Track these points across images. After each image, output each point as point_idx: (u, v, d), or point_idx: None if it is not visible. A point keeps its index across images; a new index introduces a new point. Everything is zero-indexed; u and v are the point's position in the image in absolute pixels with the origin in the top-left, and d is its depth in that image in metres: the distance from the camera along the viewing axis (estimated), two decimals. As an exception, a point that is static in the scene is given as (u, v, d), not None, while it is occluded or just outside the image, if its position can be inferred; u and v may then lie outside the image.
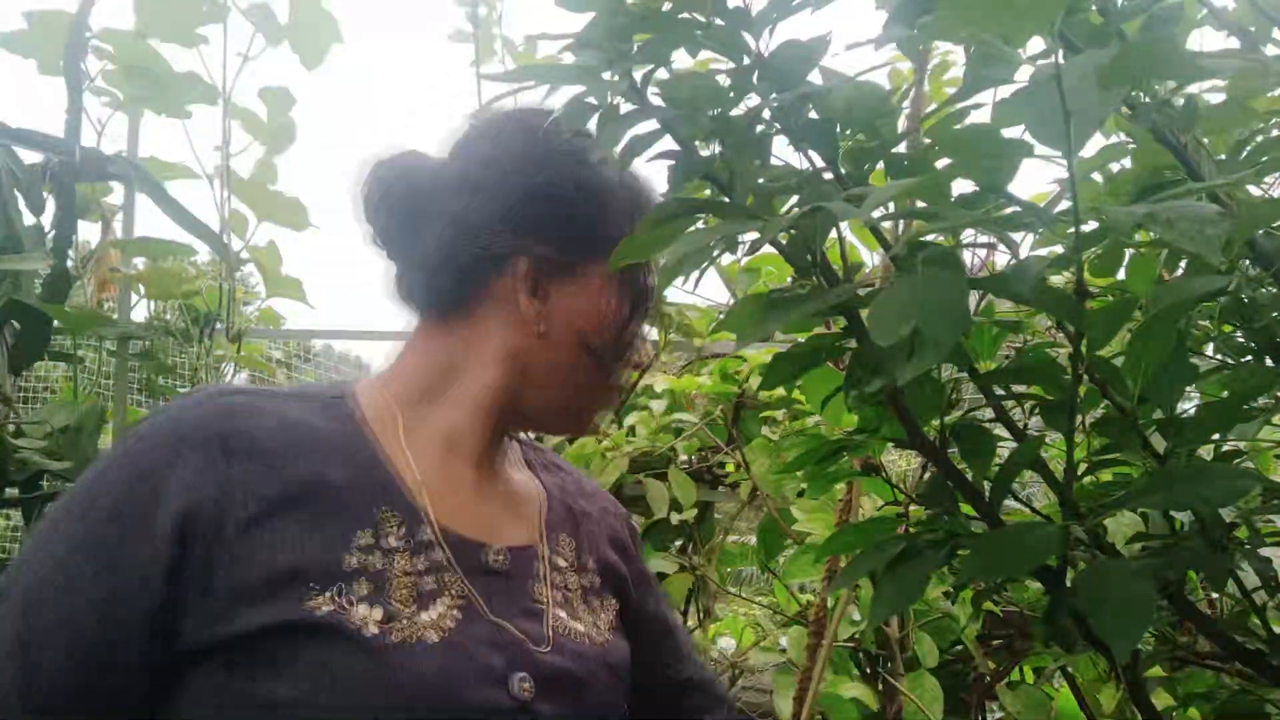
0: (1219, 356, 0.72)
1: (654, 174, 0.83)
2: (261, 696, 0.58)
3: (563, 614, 0.73)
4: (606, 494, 0.91)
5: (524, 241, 0.73)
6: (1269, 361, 0.67)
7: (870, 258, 1.66)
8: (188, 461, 0.62)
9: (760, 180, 0.62)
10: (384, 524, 0.66)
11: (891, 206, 0.61)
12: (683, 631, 0.91)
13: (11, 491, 1.63)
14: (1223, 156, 0.68)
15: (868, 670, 1.64)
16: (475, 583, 0.68)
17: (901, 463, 1.75)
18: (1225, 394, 0.65)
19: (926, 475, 0.71)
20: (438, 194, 0.75)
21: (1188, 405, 0.66)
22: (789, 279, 0.69)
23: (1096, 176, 0.74)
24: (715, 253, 0.60)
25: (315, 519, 0.63)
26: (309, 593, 0.60)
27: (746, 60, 0.61)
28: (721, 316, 0.63)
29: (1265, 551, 0.68)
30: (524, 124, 0.76)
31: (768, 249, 0.62)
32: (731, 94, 0.61)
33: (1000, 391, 0.66)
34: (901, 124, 0.67)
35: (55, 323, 1.67)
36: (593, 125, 0.63)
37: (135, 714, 0.61)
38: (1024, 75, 0.54)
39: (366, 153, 0.79)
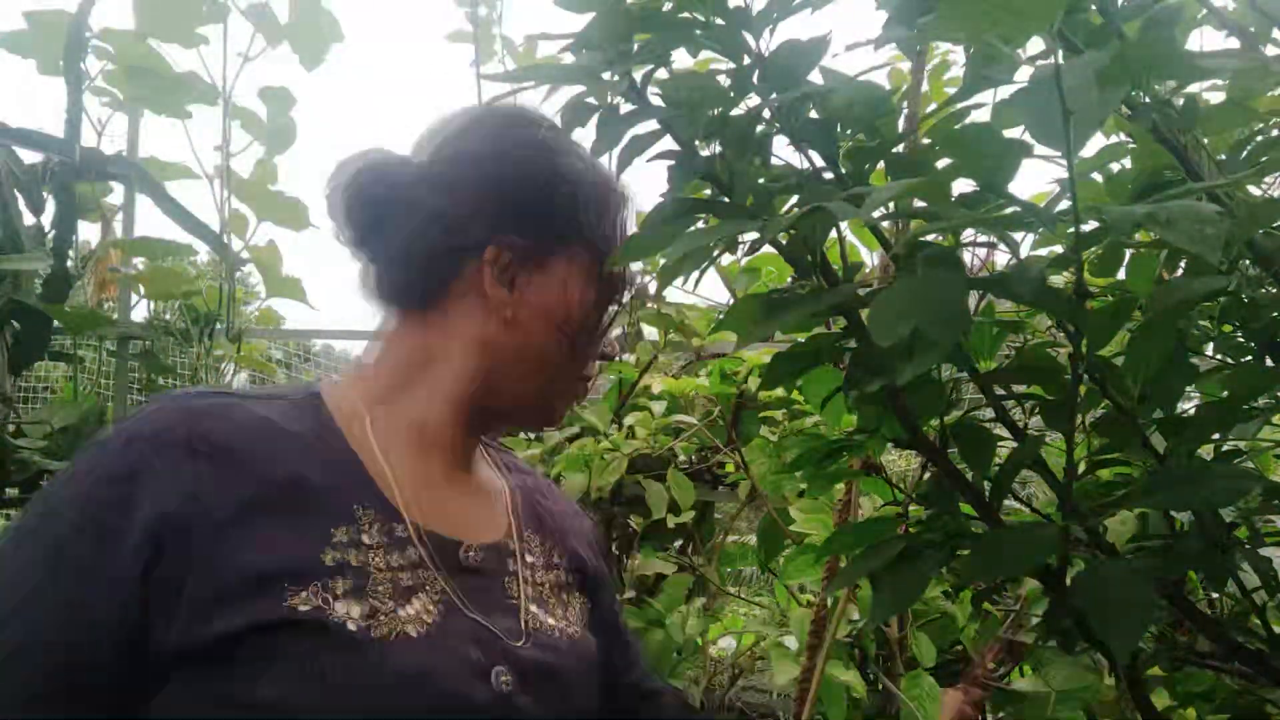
0: (1219, 356, 0.72)
1: (655, 174, 0.83)
2: (242, 697, 0.57)
3: (535, 609, 0.74)
4: (565, 494, 0.92)
5: (494, 232, 0.73)
6: (1269, 361, 0.67)
7: (870, 258, 1.66)
8: (155, 467, 0.61)
9: (760, 180, 0.62)
10: (360, 521, 0.66)
11: (891, 206, 0.61)
12: (636, 639, 0.92)
13: (11, 491, 1.63)
14: (1223, 156, 0.68)
15: (867, 669, 1.64)
16: (452, 580, 0.69)
17: (901, 463, 1.75)
18: (1225, 394, 0.65)
19: (926, 475, 0.71)
20: (408, 189, 0.75)
21: (1188, 405, 0.66)
22: (789, 279, 0.69)
23: (1096, 176, 0.74)
24: (715, 253, 0.60)
25: (291, 517, 0.63)
26: (288, 591, 0.60)
27: (746, 60, 0.61)
28: (721, 316, 0.63)
29: (1265, 551, 0.68)
30: (493, 119, 0.77)
31: (768, 249, 0.62)
32: (731, 94, 0.61)
33: (1000, 391, 0.66)
34: (901, 124, 0.67)
35: (55, 323, 1.67)
36: (593, 125, 0.63)
37: None
38: (1024, 75, 0.54)
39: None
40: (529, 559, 0.78)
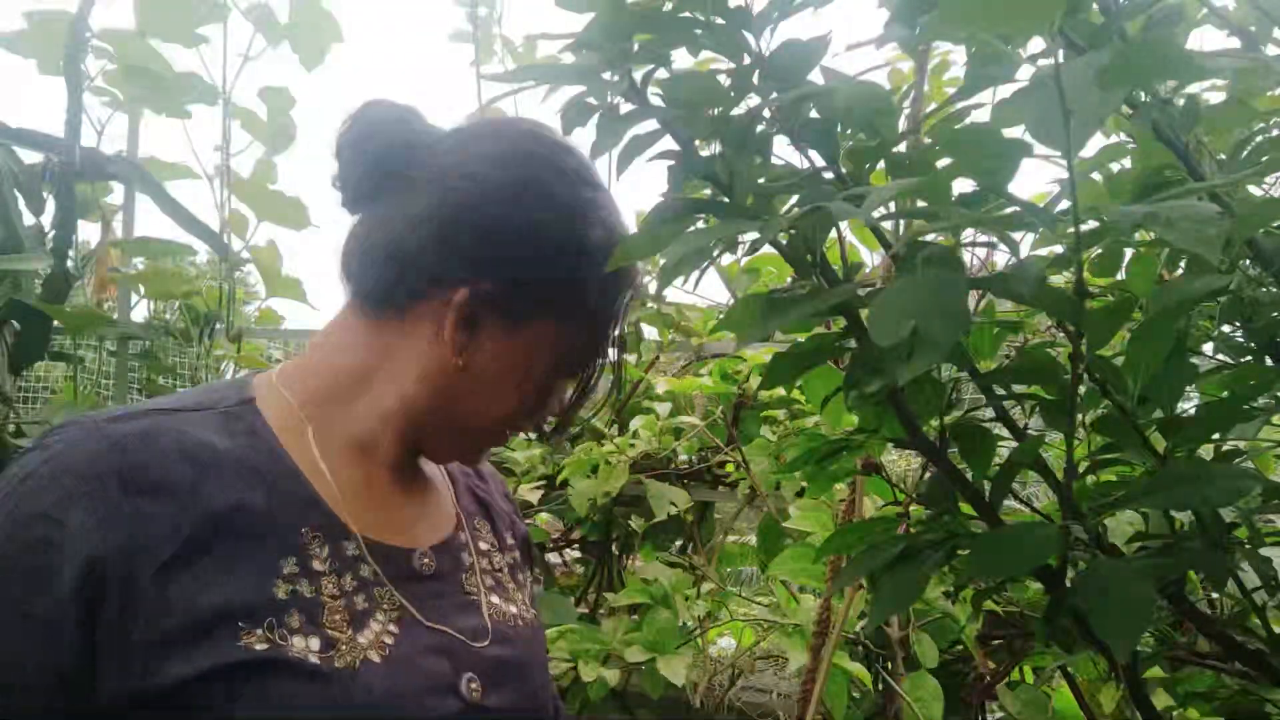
0: (1219, 356, 0.72)
1: (655, 174, 0.83)
2: None
3: (496, 600, 0.73)
4: (490, 467, 0.87)
5: (475, 273, 0.66)
6: (1269, 361, 0.67)
7: (870, 258, 1.66)
8: (83, 505, 0.56)
9: (760, 180, 0.62)
10: (308, 546, 0.62)
11: (892, 206, 0.61)
12: None
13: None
14: (1223, 156, 0.68)
15: (868, 669, 1.65)
16: (407, 591, 0.66)
17: (901, 463, 1.75)
18: (1225, 394, 0.65)
19: (926, 475, 0.71)
20: (416, 171, 0.68)
21: (1188, 405, 0.66)
22: (789, 279, 0.69)
23: (1096, 176, 0.74)
24: (715, 253, 0.60)
25: (236, 552, 0.59)
26: (240, 631, 0.57)
27: (747, 60, 0.61)
28: (721, 316, 0.63)
29: (1265, 551, 0.68)
30: (537, 152, 0.69)
31: (768, 249, 0.62)
32: (731, 94, 0.61)
33: (1000, 391, 0.66)
34: (902, 124, 0.67)
35: (55, 323, 1.67)
36: (592, 125, 0.63)
37: None
38: (1024, 75, 0.54)
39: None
40: (482, 547, 0.76)
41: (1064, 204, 0.49)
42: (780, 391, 1.82)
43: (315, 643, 0.59)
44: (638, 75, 0.63)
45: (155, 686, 0.55)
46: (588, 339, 0.71)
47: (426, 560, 0.70)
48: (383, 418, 0.69)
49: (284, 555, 0.61)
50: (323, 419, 0.68)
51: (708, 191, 0.65)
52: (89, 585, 0.55)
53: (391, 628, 0.63)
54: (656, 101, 0.63)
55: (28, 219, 1.65)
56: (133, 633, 0.55)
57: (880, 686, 1.62)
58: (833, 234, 0.63)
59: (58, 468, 0.57)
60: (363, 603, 0.63)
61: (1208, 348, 0.72)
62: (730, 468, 1.93)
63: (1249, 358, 0.69)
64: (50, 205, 1.72)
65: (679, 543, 2.04)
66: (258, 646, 0.57)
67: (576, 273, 0.68)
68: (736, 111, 0.62)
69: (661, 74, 0.63)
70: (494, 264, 0.66)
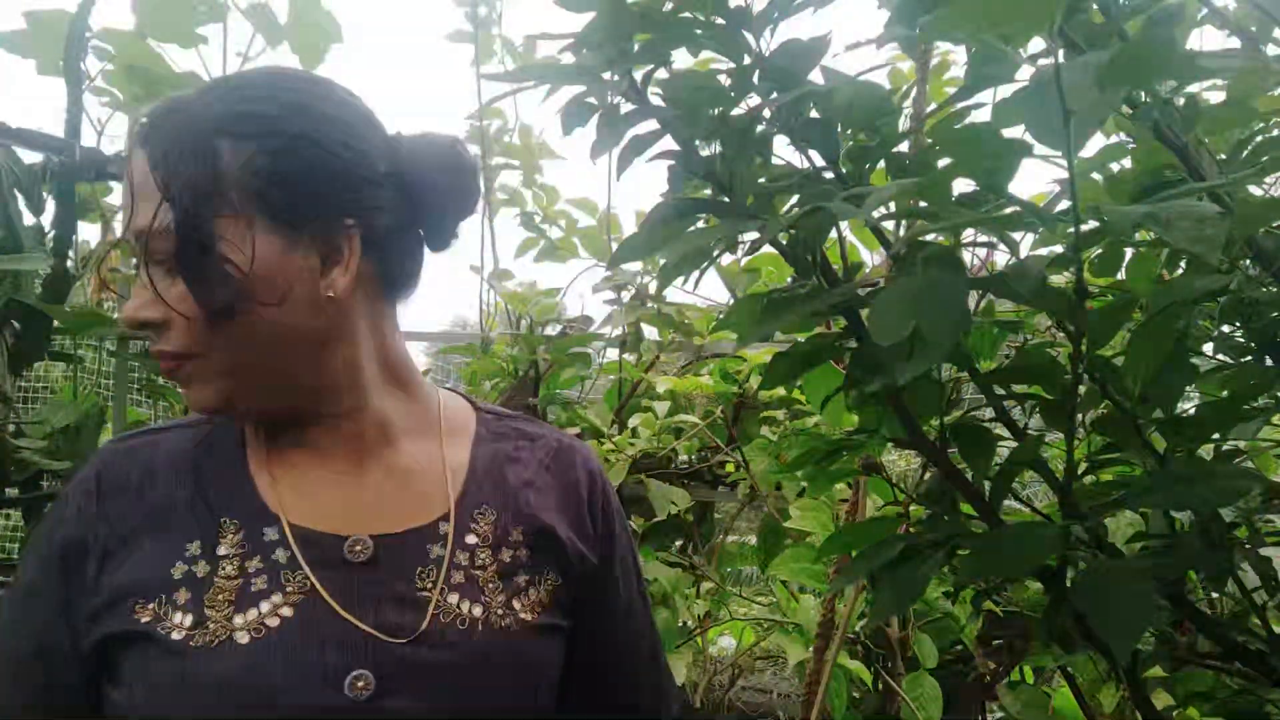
0: (1219, 356, 0.72)
1: (655, 174, 0.82)
2: (111, 697, 0.66)
3: (454, 599, 0.68)
4: (585, 466, 0.80)
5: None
6: (1269, 361, 0.67)
7: (870, 258, 1.66)
8: (70, 506, 0.70)
9: (760, 180, 0.62)
10: (221, 532, 0.68)
11: (892, 206, 0.61)
12: (640, 655, 0.82)
13: (11, 491, 1.63)
14: (1223, 156, 0.68)
15: (869, 668, 1.65)
16: (328, 577, 0.66)
17: (901, 463, 1.76)
18: (1225, 394, 0.65)
19: (926, 475, 0.71)
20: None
21: (1188, 405, 0.66)
22: (789, 279, 0.69)
23: (1096, 176, 0.74)
24: (715, 253, 0.60)
25: (155, 538, 0.68)
26: (135, 606, 0.65)
27: (747, 60, 0.61)
28: (721, 316, 0.63)
29: (1265, 551, 0.68)
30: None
31: (768, 249, 0.62)
32: (732, 94, 0.61)
33: (1000, 391, 0.66)
34: (904, 124, 0.67)
35: (55, 323, 1.67)
36: (593, 125, 0.63)
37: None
38: (1024, 75, 0.54)
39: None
40: (469, 540, 0.71)
41: (1064, 204, 0.49)
42: (780, 391, 1.82)
43: (189, 619, 0.64)
44: (638, 75, 0.63)
45: (88, 649, 0.66)
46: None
47: (359, 547, 0.68)
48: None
49: (190, 539, 0.67)
50: (282, 419, 0.73)
51: (708, 191, 0.65)
52: (61, 571, 0.68)
53: (284, 612, 0.65)
54: (656, 101, 0.63)
55: (28, 219, 1.65)
56: (82, 608, 0.67)
57: (880, 686, 1.62)
58: (833, 234, 0.63)
59: (70, 486, 0.71)
60: (262, 584, 0.66)
61: (1208, 348, 0.72)
62: (730, 468, 1.93)
63: (1249, 358, 0.69)
64: (50, 205, 1.72)
65: (679, 542, 2.04)
66: (143, 619, 0.64)
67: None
68: (736, 111, 0.62)
69: (661, 74, 0.63)
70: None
